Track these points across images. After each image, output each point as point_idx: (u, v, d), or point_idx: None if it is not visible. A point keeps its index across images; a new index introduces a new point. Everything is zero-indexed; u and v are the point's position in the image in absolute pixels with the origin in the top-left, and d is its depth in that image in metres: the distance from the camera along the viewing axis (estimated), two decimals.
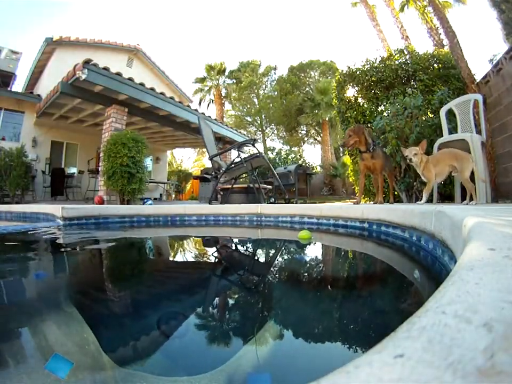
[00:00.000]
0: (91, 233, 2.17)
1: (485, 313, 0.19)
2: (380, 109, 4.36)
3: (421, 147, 2.53)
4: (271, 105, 20.12)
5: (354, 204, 2.83)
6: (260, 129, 21.72)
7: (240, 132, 10.18)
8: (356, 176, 4.56)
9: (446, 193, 3.54)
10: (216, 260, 1.33)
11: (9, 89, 8.05)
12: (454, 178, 2.91)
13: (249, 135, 16.24)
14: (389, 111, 3.65)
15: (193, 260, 1.31)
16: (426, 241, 1.18)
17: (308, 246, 1.55)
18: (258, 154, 3.89)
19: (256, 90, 20.78)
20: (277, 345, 0.47)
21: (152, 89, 6.10)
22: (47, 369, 0.40)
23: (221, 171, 3.99)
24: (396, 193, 3.63)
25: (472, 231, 0.55)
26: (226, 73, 20.64)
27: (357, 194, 3.62)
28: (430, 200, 3.25)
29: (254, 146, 4.20)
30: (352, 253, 1.46)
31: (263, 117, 21.15)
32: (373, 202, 3.10)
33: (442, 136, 3.13)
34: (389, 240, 1.55)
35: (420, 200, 2.61)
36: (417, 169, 2.56)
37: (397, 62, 4.32)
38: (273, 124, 21.46)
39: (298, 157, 15.38)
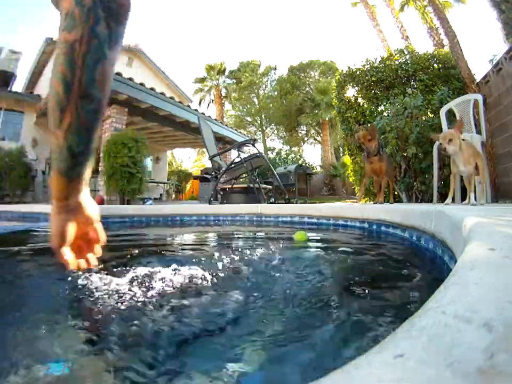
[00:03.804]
0: None
1: (485, 313, 0.19)
2: (380, 109, 4.36)
3: (458, 128, 2.00)
4: (271, 105, 20.13)
5: (356, 202, 2.83)
6: (260, 129, 21.74)
7: (240, 132, 10.18)
8: (356, 176, 4.56)
9: (446, 193, 3.54)
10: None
11: (9, 89, 8.06)
12: (455, 177, 2.91)
13: (249, 135, 16.23)
14: (389, 111, 3.65)
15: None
16: (426, 241, 1.18)
17: (306, 246, 1.55)
18: (258, 154, 3.89)
19: (256, 90, 20.79)
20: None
21: (152, 89, 6.11)
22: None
23: (221, 171, 3.99)
24: (396, 193, 3.63)
25: (472, 231, 0.55)
26: (226, 73, 20.66)
27: (357, 195, 3.61)
28: (430, 200, 3.25)
29: (254, 146, 4.20)
30: (350, 253, 1.46)
31: (263, 117, 21.17)
32: (373, 202, 3.10)
33: None
34: (389, 240, 1.55)
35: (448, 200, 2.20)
36: (456, 159, 2.02)
37: (397, 62, 4.33)
38: (273, 124, 21.48)
39: (298, 157, 15.40)
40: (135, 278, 0.79)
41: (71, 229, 0.52)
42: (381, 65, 4.37)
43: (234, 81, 20.75)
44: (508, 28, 7.84)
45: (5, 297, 0.73)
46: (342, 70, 4.82)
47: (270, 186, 5.30)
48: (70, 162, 0.44)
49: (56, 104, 0.40)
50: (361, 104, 4.56)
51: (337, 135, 17.60)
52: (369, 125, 4.10)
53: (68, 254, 0.54)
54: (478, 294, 0.23)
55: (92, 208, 0.56)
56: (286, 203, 3.68)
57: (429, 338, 0.17)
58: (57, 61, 0.38)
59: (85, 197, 0.54)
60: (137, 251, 1.26)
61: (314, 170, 14.27)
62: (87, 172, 0.49)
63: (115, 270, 0.86)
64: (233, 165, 3.92)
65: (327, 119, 17.08)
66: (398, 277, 0.84)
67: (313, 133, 20.95)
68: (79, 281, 0.76)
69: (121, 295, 0.68)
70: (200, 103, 20.34)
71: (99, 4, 0.38)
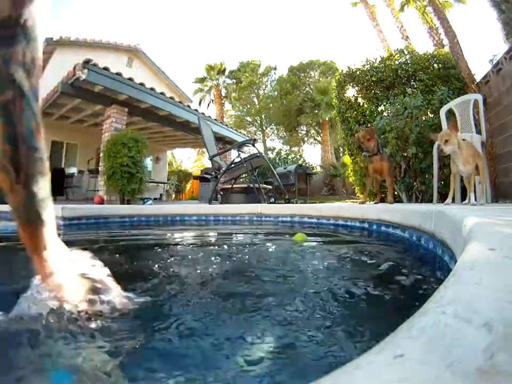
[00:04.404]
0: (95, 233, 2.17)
1: (485, 313, 0.19)
2: (380, 109, 4.37)
3: (453, 127, 1.99)
4: (271, 105, 20.14)
5: (360, 203, 2.84)
6: (260, 129, 21.74)
7: (240, 132, 10.18)
8: (356, 176, 4.56)
9: (446, 193, 3.55)
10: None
11: None
12: (455, 177, 2.91)
13: (249, 135, 16.24)
14: (389, 111, 3.65)
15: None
16: (426, 241, 1.18)
17: (306, 247, 1.55)
18: (258, 154, 3.89)
19: (256, 90, 20.80)
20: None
21: (152, 89, 6.11)
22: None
23: (221, 171, 3.99)
24: (395, 193, 3.63)
25: (472, 231, 0.55)
26: (226, 73, 20.66)
27: (358, 194, 3.59)
28: (430, 200, 3.25)
29: (254, 146, 4.20)
30: (349, 253, 1.46)
31: (263, 117, 21.17)
32: (373, 202, 3.11)
33: None
34: (389, 240, 1.54)
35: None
36: (455, 159, 2.03)
37: (397, 62, 4.33)
38: (273, 124, 21.48)
39: (298, 157, 15.40)
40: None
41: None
42: (381, 65, 4.37)
43: (234, 81, 20.75)
44: (508, 28, 7.84)
45: None
46: (342, 70, 4.82)
47: (270, 186, 5.30)
48: (36, 209, 0.47)
49: (9, 160, 0.43)
50: (361, 104, 4.56)
51: (337, 135, 17.60)
52: (369, 125, 4.11)
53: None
54: (478, 294, 0.23)
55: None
56: (286, 203, 3.68)
57: (429, 338, 0.17)
58: None
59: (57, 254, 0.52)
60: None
61: (314, 170, 14.27)
62: (51, 216, 0.50)
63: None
64: (233, 165, 3.92)
65: (327, 119, 17.08)
66: (398, 277, 0.84)
67: (313, 133, 20.95)
68: None
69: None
70: (200, 103, 20.36)
71: (22, 65, 0.41)
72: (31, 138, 0.45)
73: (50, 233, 0.51)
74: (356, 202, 3.96)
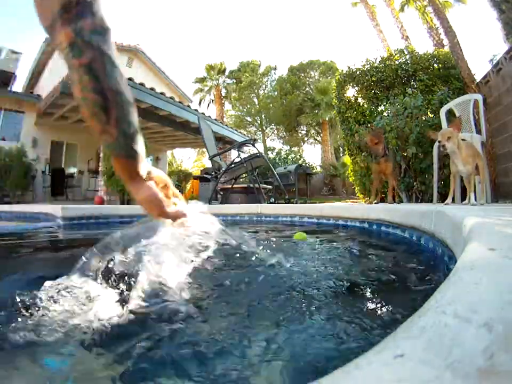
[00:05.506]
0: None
1: (485, 313, 0.19)
2: (380, 109, 4.37)
3: (456, 127, 2.03)
4: (271, 105, 20.14)
5: (369, 203, 2.84)
6: (260, 129, 21.74)
7: (240, 132, 10.18)
8: (356, 176, 4.56)
9: (446, 193, 3.55)
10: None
11: (9, 89, 8.05)
12: (454, 177, 2.91)
13: (249, 135, 16.24)
14: (389, 111, 3.66)
15: None
16: (426, 241, 1.18)
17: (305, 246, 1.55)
18: (258, 154, 3.89)
19: (256, 90, 20.80)
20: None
21: (152, 89, 6.11)
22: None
23: (221, 171, 3.99)
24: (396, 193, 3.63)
25: (472, 231, 0.55)
26: (226, 73, 20.66)
27: (358, 194, 3.59)
28: (430, 200, 3.25)
29: (254, 146, 4.20)
30: (348, 252, 1.46)
31: (263, 117, 21.17)
32: (375, 202, 3.11)
33: None
34: (389, 239, 1.54)
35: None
36: (455, 159, 2.06)
37: (397, 62, 4.33)
38: (273, 124, 21.49)
39: (298, 157, 15.42)
40: None
41: (159, 190, 0.62)
42: (381, 65, 4.37)
43: (234, 81, 20.75)
44: (508, 28, 7.84)
45: None
46: (342, 70, 4.82)
47: (270, 186, 5.30)
48: (127, 144, 0.55)
49: (98, 108, 0.51)
50: (361, 104, 4.56)
51: (337, 135, 17.61)
52: (369, 125, 4.11)
53: (172, 209, 0.63)
54: (478, 294, 0.23)
55: (157, 172, 0.66)
56: (286, 203, 3.68)
57: (429, 338, 0.17)
58: (83, 79, 0.49)
59: (148, 166, 0.62)
60: None
61: (314, 170, 14.28)
62: (142, 147, 0.59)
63: None
64: (233, 165, 3.92)
65: (327, 119, 17.09)
66: (398, 277, 0.84)
67: (313, 133, 20.96)
68: None
69: None
70: (200, 103, 20.36)
71: (94, 31, 0.48)
72: (116, 86, 0.52)
73: (141, 163, 0.59)
74: (356, 202, 3.96)
